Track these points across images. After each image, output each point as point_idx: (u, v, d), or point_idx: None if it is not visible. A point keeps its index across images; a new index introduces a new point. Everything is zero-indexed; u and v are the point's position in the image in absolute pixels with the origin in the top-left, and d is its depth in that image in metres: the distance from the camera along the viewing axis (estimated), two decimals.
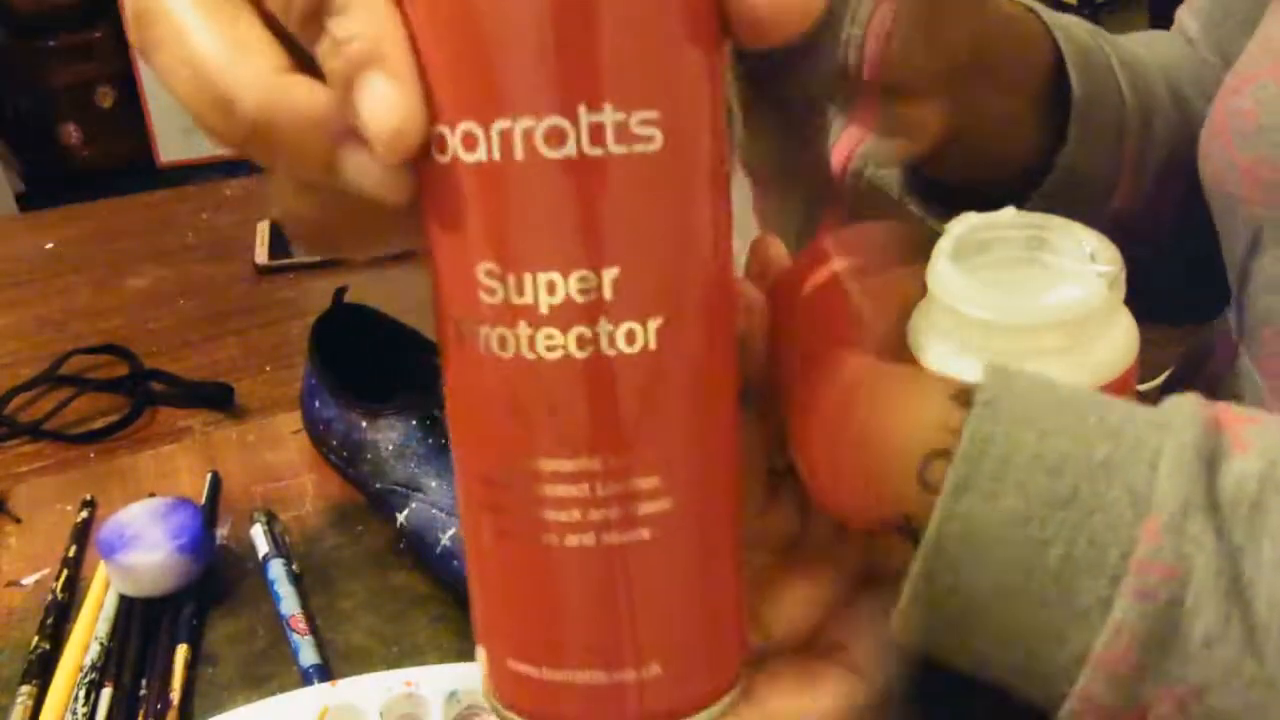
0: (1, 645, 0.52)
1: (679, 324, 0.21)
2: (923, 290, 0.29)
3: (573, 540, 0.21)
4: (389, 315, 0.67)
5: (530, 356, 0.20)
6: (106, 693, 0.49)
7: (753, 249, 0.27)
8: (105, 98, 2.92)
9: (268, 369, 0.76)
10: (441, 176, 0.20)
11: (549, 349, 0.20)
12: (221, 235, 0.98)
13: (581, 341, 0.20)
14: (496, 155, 0.19)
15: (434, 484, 0.56)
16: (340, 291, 0.67)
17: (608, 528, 0.21)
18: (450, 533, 0.54)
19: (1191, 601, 0.21)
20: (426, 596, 0.55)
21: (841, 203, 0.56)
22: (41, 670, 0.50)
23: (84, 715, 0.48)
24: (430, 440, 0.57)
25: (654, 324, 0.20)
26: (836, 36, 0.49)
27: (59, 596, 0.54)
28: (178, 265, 0.92)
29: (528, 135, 0.19)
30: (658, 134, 0.20)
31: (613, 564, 0.22)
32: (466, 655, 0.51)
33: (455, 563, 0.53)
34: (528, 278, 0.20)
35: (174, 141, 3.03)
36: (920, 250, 0.28)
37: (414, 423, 0.57)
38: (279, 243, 0.93)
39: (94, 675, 0.49)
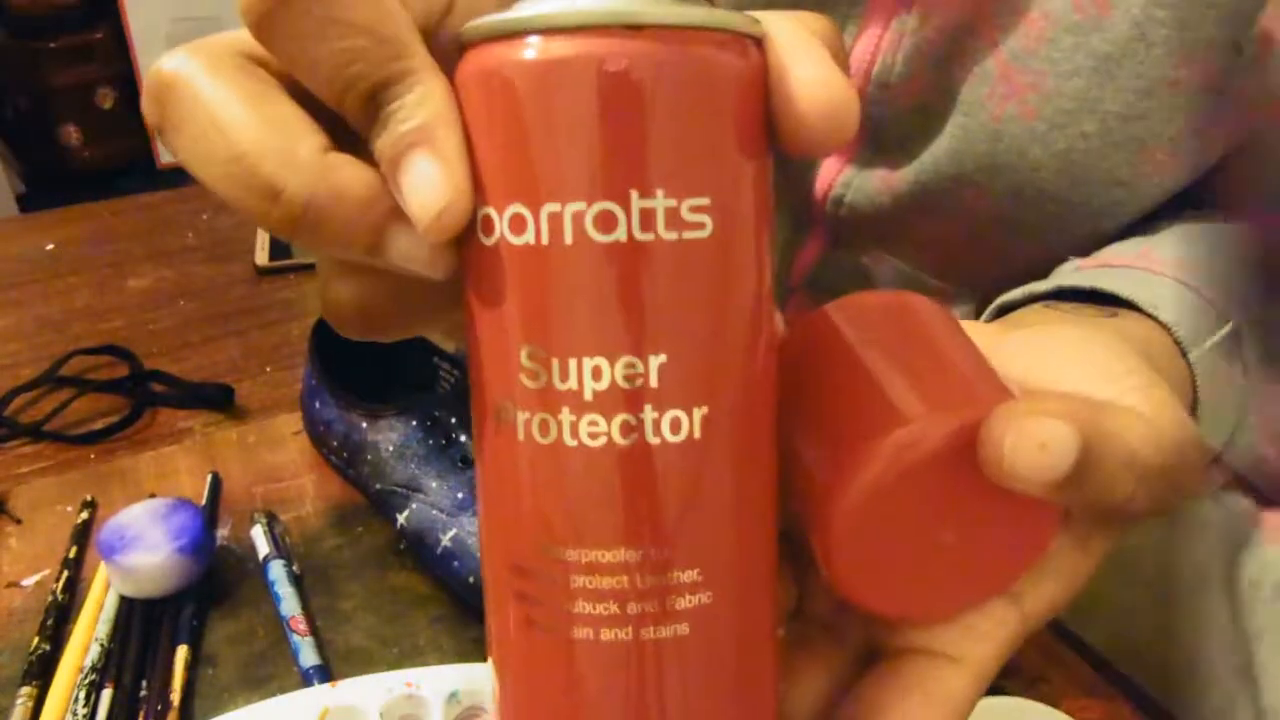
0: (2, 646, 0.52)
1: (724, 413, 0.20)
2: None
3: (608, 635, 0.21)
4: None
5: (572, 443, 0.20)
6: (107, 694, 0.49)
7: None
8: (105, 98, 2.92)
9: (268, 370, 0.76)
10: (487, 259, 0.20)
11: (592, 436, 0.20)
12: (221, 236, 0.98)
13: (626, 429, 0.20)
14: (545, 238, 0.19)
15: (434, 485, 0.56)
16: None
17: (645, 622, 0.20)
18: (451, 534, 0.54)
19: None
20: (426, 597, 0.55)
21: (823, 228, 0.57)
22: (42, 671, 0.50)
23: (84, 716, 0.48)
24: (430, 441, 0.57)
25: (699, 413, 0.20)
26: None
27: (59, 597, 0.54)
28: (178, 266, 0.92)
29: (577, 219, 0.19)
30: (708, 221, 0.19)
31: (650, 660, 0.21)
32: (466, 656, 0.52)
33: (455, 563, 0.53)
34: (572, 363, 0.20)
35: None
36: (928, 321, 0.27)
37: (414, 424, 0.57)
38: (279, 244, 0.93)
39: (94, 676, 0.49)
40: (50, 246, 0.96)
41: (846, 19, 0.47)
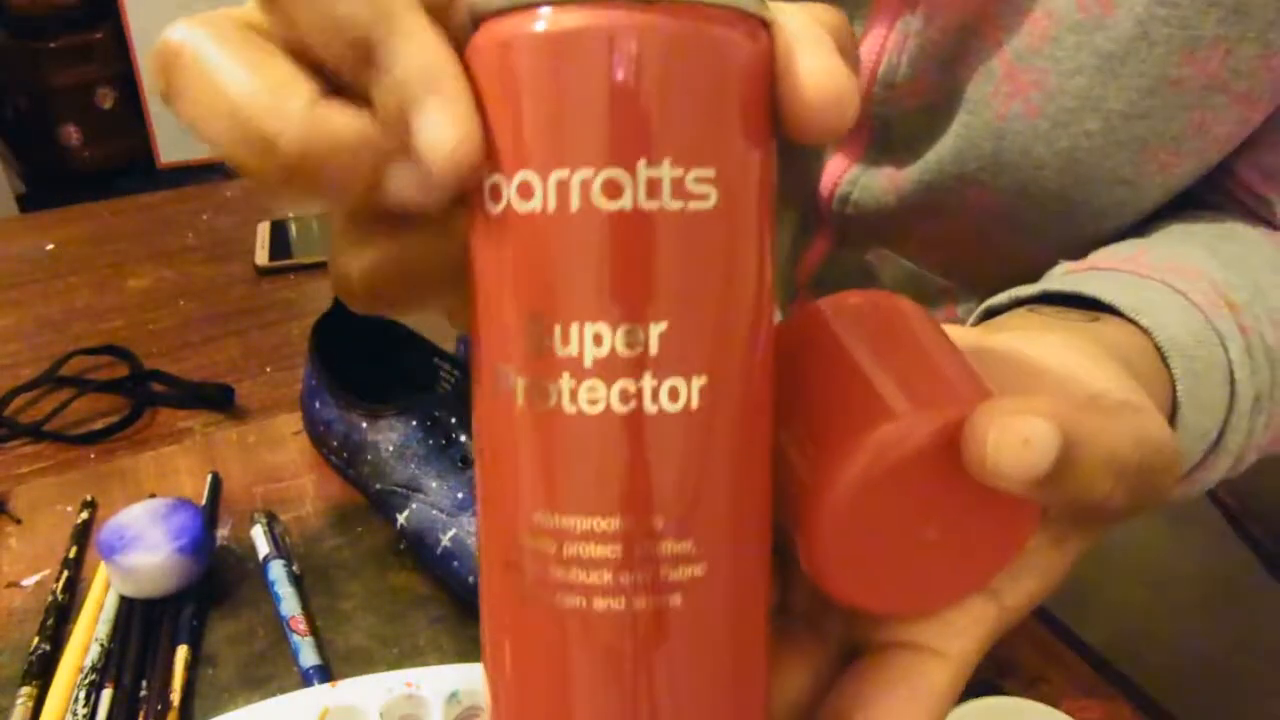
0: (2, 646, 0.52)
1: (722, 384, 0.20)
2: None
3: (600, 604, 0.21)
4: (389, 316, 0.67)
5: (570, 410, 0.20)
6: (107, 694, 0.49)
7: None
8: (105, 98, 2.92)
9: (268, 370, 0.76)
10: (493, 226, 0.20)
11: (590, 403, 0.20)
12: (221, 236, 0.98)
13: (625, 397, 0.20)
14: (552, 205, 0.19)
15: (434, 485, 0.56)
16: None
17: (638, 591, 0.21)
18: (451, 534, 0.54)
19: None
20: (426, 597, 0.55)
21: (829, 228, 0.57)
22: (42, 671, 0.50)
23: (84, 716, 0.48)
24: (430, 441, 0.57)
25: (698, 383, 0.20)
26: None
27: (59, 597, 0.54)
28: (178, 266, 0.92)
29: (585, 186, 0.19)
30: (713, 193, 0.20)
31: (642, 630, 0.21)
32: (466, 656, 0.52)
33: (455, 563, 0.53)
34: (574, 328, 0.20)
35: (174, 142, 3.03)
36: (913, 322, 0.27)
37: (414, 424, 0.57)
38: (279, 244, 0.94)
39: (94, 676, 0.49)
40: (50, 246, 0.96)
41: (852, 19, 0.47)
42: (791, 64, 0.20)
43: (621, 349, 0.20)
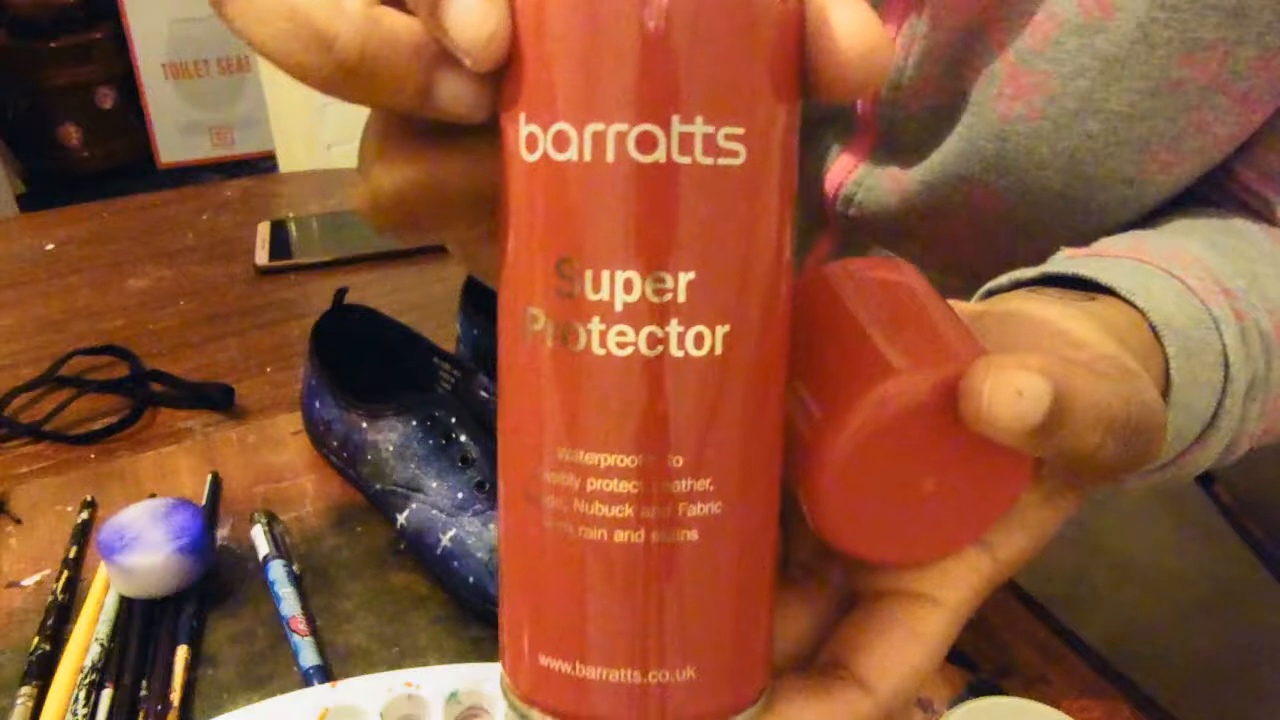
0: (2, 646, 0.52)
1: (744, 332, 0.21)
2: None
3: (620, 536, 0.22)
4: (389, 315, 0.67)
5: (599, 352, 0.21)
6: (107, 694, 0.49)
7: None
8: (105, 98, 2.92)
9: (268, 370, 0.76)
10: (528, 173, 0.21)
11: (620, 346, 0.21)
12: (221, 236, 0.98)
13: (652, 341, 0.21)
14: (588, 156, 0.20)
15: (434, 485, 0.56)
16: (340, 292, 0.67)
17: (657, 526, 0.22)
18: (451, 534, 0.54)
19: None
20: (426, 597, 0.55)
21: (834, 227, 0.57)
22: (42, 671, 0.50)
23: (84, 716, 0.48)
24: (430, 441, 0.57)
25: (721, 330, 0.21)
26: None
27: (59, 597, 0.54)
28: (178, 266, 0.92)
29: (620, 139, 0.20)
30: (742, 150, 0.20)
31: (659, 563, 0.22)
32: (466, 656, 0.52)
33: (455, 563, 0.53)
34: (605, 275, 0.21)
35: (174, 141, 3.04)
36: (914, 288, 0.28)
37: (414, 424, 0.57)
38: (279, 244, 0.94)
39: (94, 676, 0.49)
40: (50, 246, 0.96)
41: None
42: (825, 19, 0.21)
43: (651, 295, 0.21)
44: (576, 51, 0.20)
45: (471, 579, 0.53)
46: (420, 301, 0.84)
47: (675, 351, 0.21)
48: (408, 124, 0.22)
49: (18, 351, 0.79)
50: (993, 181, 0.47)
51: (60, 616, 0.53)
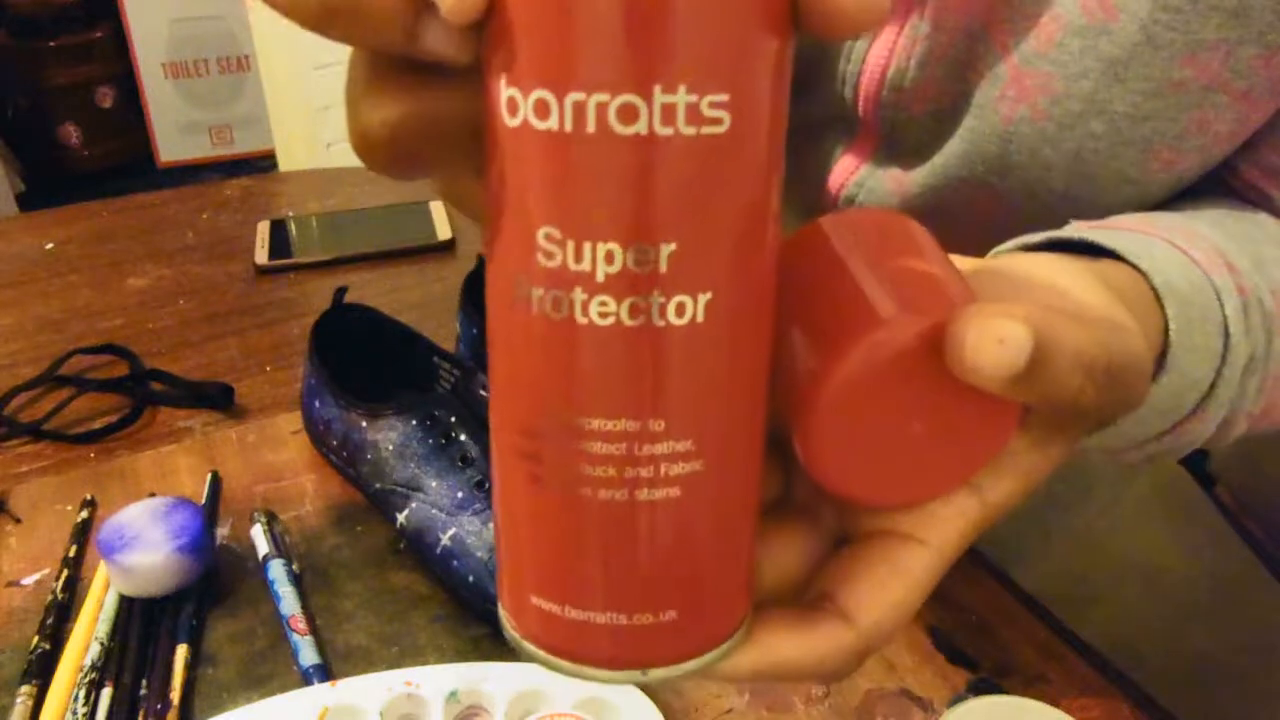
0: (2, 645, 0.52)
1: (726, 300, 0.22)
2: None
3: (605, 494, 0.22)
4: (389, 315, 0.67)
5: (582, 321, 0.21)
6: (106, 693, 0.49)
7: None
8: (105, 98, 2.92)
9: (268, 369, 0.76)
10: (511, 139, 0.21)
11: (601, 315, 0.21)
12: (221, 235, 0.98)
13: (634, 311, 0.21)
14: (568, 126, 0.20)
15: (434, 484, 0.56)
16: (340, 291, 0.67)
17: (640, 485, 0.22)
18: (450, 533, 0.54)
19: None
20: (426, 596, 0.55)
21: None
22: (42, 670, 0.50)
23: (84, 715, 0.48)
24: (430, 440, 0.57)
25: (703, 299, 0.21)
26: (834, 70, 0.50)
27: (59, 596, 0.54)
28: (178, 265, 0.92)
29: (601, 109, 0.20)
30: (726, 117, 0.20)
31: (642, 519, 0.23)
32: (466, 655, 0.52)
33: (455, 563, 0.53)
34: (587, 246, 0.21)
35: (174, 141, 3.03)
36: (914, 239, 0.28)
37: (414, 423, 0.57)
38: (279, 243, 0.94)
39: (94, 675, 0.49)
40: (50, 246, 0.96)
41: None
42: None
43: (633, 266, 0.21)
44: (558, 17, 0.20)
45: (471, 578, 0.53)
46: (420, 301, 0.84)
47: (657, 321, 0.21)
48: (393, 59, 0.22)
49: (18, 351, 0.79)
50: (995, 183, 0.47)
51: (60, 616, 0.53)
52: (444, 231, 0.94)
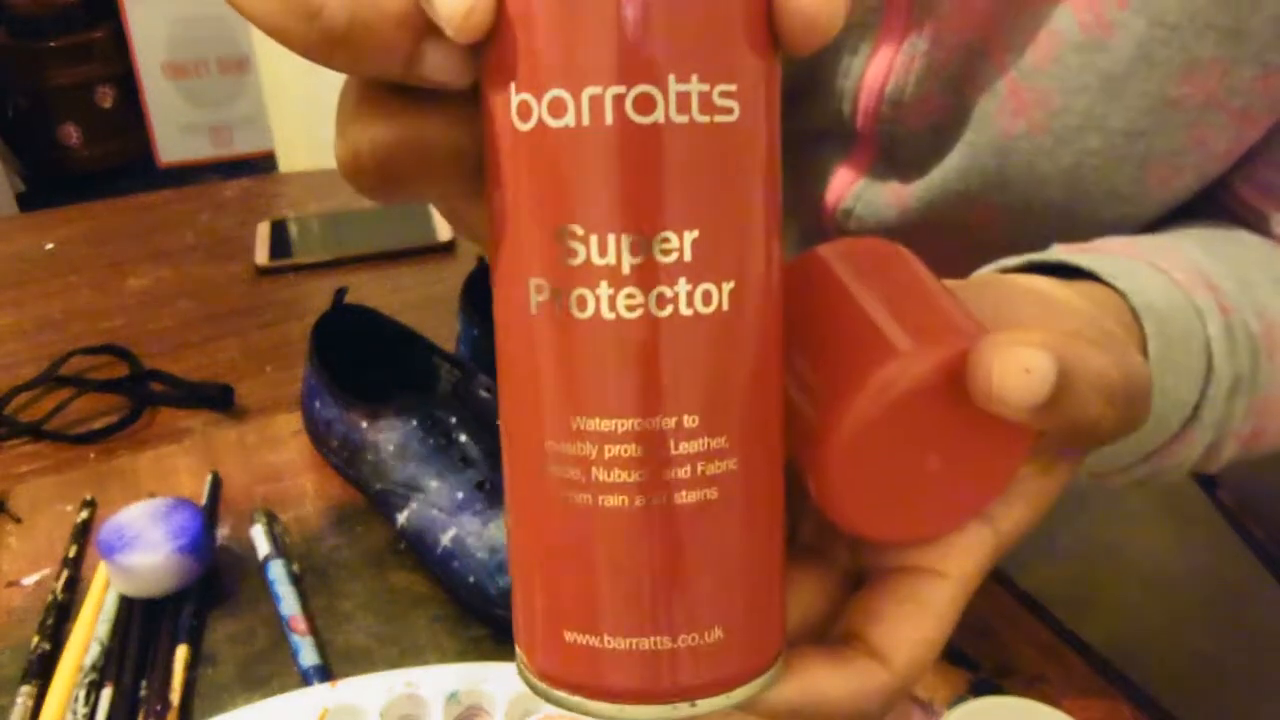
0: (2, 645, 0.52)
1: (748, 288, 0.22)
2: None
3: (642, 500, 0.22)
4: (389, 315, 0.67)
5: (609, 316, 0.21)
6: (106, 693, 0.49)
7: None
8: (105, 98, 2.92)
9: (268, 369, 0.76)
10: (522, 143, 0.21)
11: (629, 308, 0.21)
12: (221, 235, 0.98)
13: (661, 301, 0.21)
14: (586, 120, 0.20)
15: (434, 485, 0.56)
16: (340, 292, 0.67)
17: (679, 487, 0.22)
18: (451, 533, 0.54)
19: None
20: (426, 597, 0.55)
21: (829, 241, 0.57)
22: (42, 670, 0.50)
23: (84, 715, 0.48)
24: (430, 441, 0.57)
25: (727, 287, 0.21)
26: (831, 85, 0.50)
27: (59, 597, 0.54)
28: (178, 265, 0.92)
29: (618, 102, 0.20)
30: (736, 106, 0.21)
31: (685, 524, 0.22)
32: (466, 655, 0.52)
33: (455, 563, 0.53)
34: (611, 238, 0.21)
35: (174, 141, 3.03)
36: (910, 267, 0.28)
37: (414, 423, 0.57)
38: (279, 243, 0.94)
39: (94, 675, 0.49)
40: (50, 246, 0.96)
41: (860, 39, 0.48)
42: None
43: (658, 255, 0.21)
44: (569, 16, 0.20)
45: (471, 579, 0.53)
46: (420, 301, 0.84)
47: (684, 310, 0.21)
48: (384, 84, 0.23)
49: (18, 351, 0.79)
50: (993, 197, 0.47)
51: (60, 616, 0.53)
52: (444, 232, 0.94)
